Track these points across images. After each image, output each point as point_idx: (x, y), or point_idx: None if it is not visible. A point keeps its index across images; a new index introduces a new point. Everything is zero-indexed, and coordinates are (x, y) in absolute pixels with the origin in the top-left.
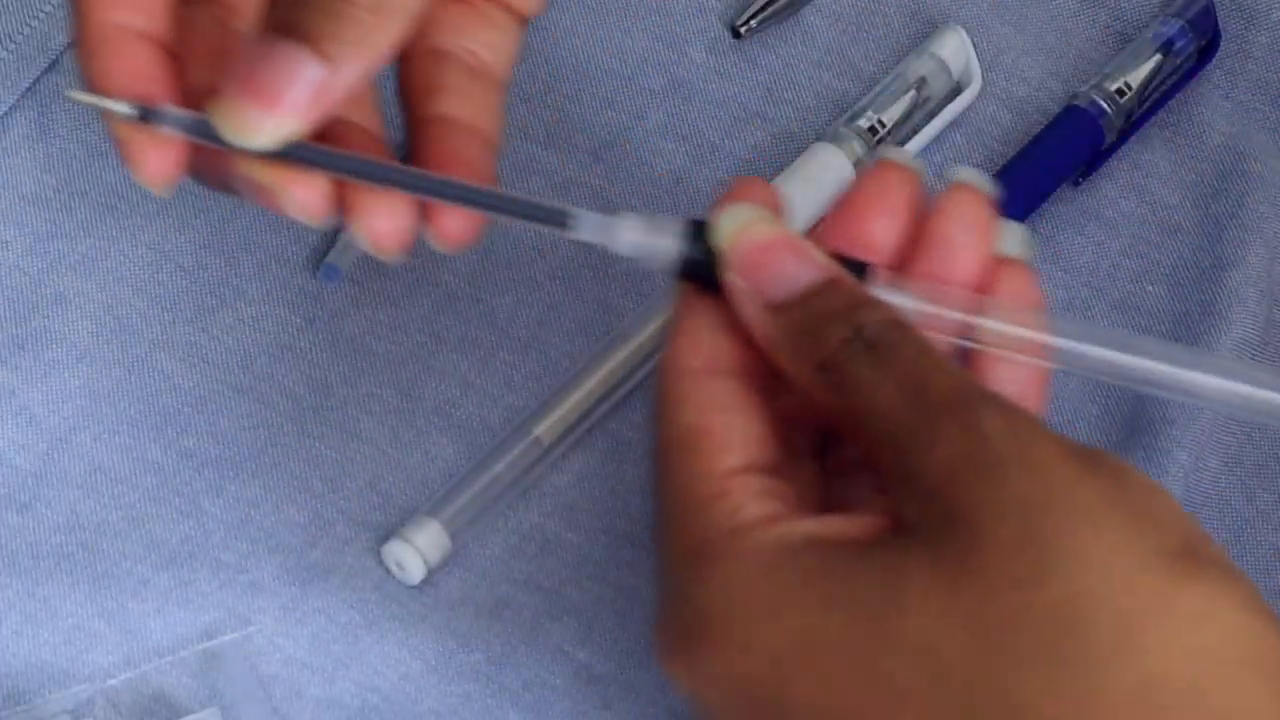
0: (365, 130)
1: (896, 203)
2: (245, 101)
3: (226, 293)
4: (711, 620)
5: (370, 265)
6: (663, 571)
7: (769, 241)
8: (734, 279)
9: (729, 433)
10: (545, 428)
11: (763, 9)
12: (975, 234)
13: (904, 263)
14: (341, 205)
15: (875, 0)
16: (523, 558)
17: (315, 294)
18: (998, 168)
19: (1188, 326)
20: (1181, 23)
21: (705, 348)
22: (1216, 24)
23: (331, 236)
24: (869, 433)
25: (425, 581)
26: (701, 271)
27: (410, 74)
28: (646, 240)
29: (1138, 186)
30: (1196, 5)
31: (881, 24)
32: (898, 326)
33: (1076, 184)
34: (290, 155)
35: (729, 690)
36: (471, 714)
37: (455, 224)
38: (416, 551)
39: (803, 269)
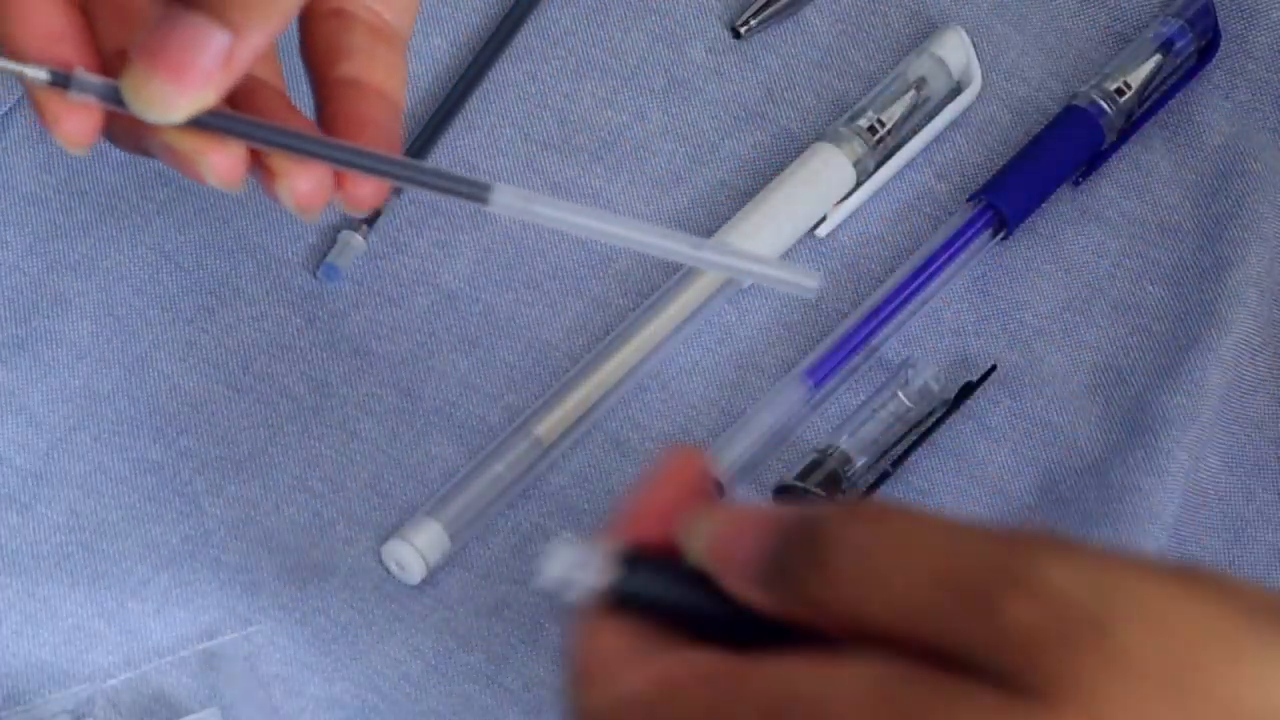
0: (271, 88)
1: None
2: (155, 75)
3: (226, 293)
4: None
5: (370, 265)
6: None
7: (730, 527)
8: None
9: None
10: (545, 428)
11: (763, 9)
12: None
13: None
14: (259, 169)
15: (875, 0)
16: (523, 558)
17: (315, 294)
18: (997, 168)
19: (1188, 326)
20: (1181, 23)
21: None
22: (1216, 24)
23: (331, 236)
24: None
25: (425, 581)
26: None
27: (314, 35)
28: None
29: (1138, 186)
30: (1196, 5)
31: (881, 24)
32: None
33: (1076, 184)
34: (205, 124)
35: None
36: (471, 714)
37: (366, 190)
38: (416, 551)
39: (761, 542)
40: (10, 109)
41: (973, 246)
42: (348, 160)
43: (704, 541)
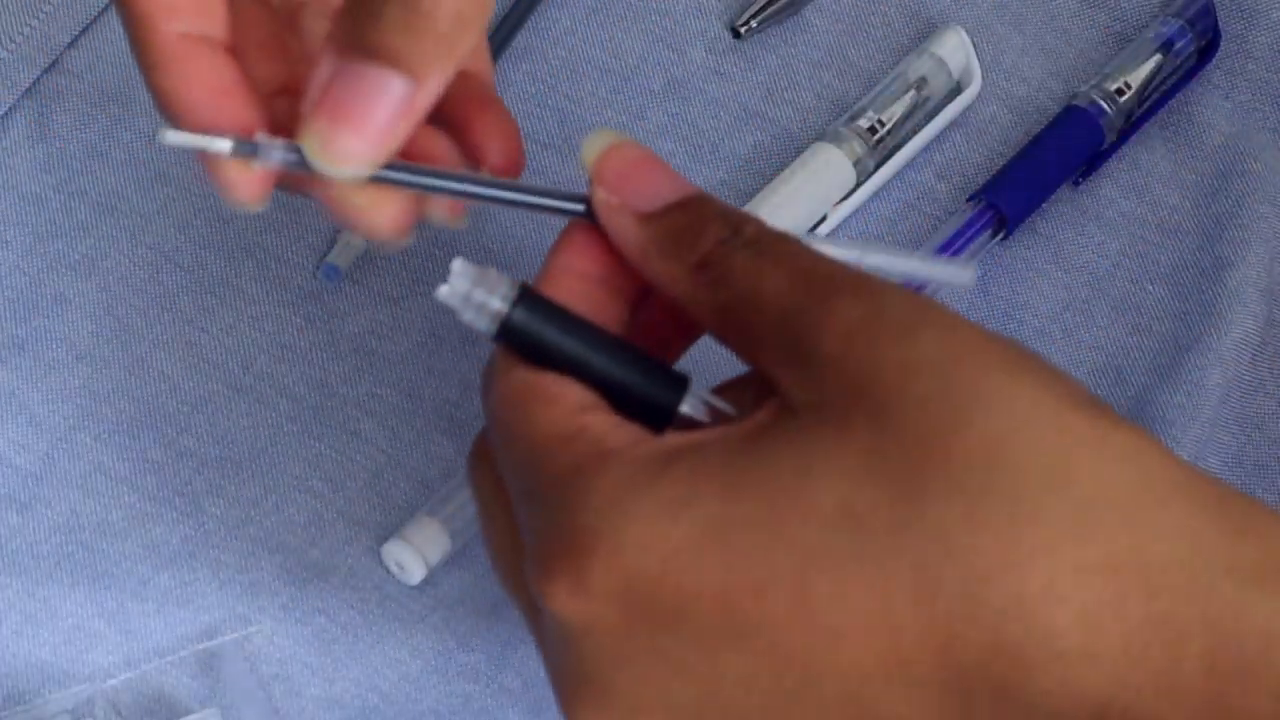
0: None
1: None
2: (338, 131)
3: (226, 293)
4: (600, 529)
5: (370, 265)
6: (531, 509)
7: (637, 158)
8: (602, 194)
9: (565, 384)
10: None
11: (763, 9)
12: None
13: None
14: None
15: (875, 0)
16: None
17: (315, 294)
18: (998, 168)
19: (1188, 326)
20: (1181, 23)
21: None
22: (1216, 24)
23: (331, 236)
24: (753, 319)
25: (425, 581)
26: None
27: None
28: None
29: (1138, 186)
30: (1196, 5)
31: (881, 24)
32: (774, 230)
33: (1076, 184)
34: (383, 178)
35: (624, 601)
36: (471, 714)
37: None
38: (416, 551)
39: (671, 185)
40: (10, 109)
41: (972, 247)
42: (522, 202)
43: (610, 166)
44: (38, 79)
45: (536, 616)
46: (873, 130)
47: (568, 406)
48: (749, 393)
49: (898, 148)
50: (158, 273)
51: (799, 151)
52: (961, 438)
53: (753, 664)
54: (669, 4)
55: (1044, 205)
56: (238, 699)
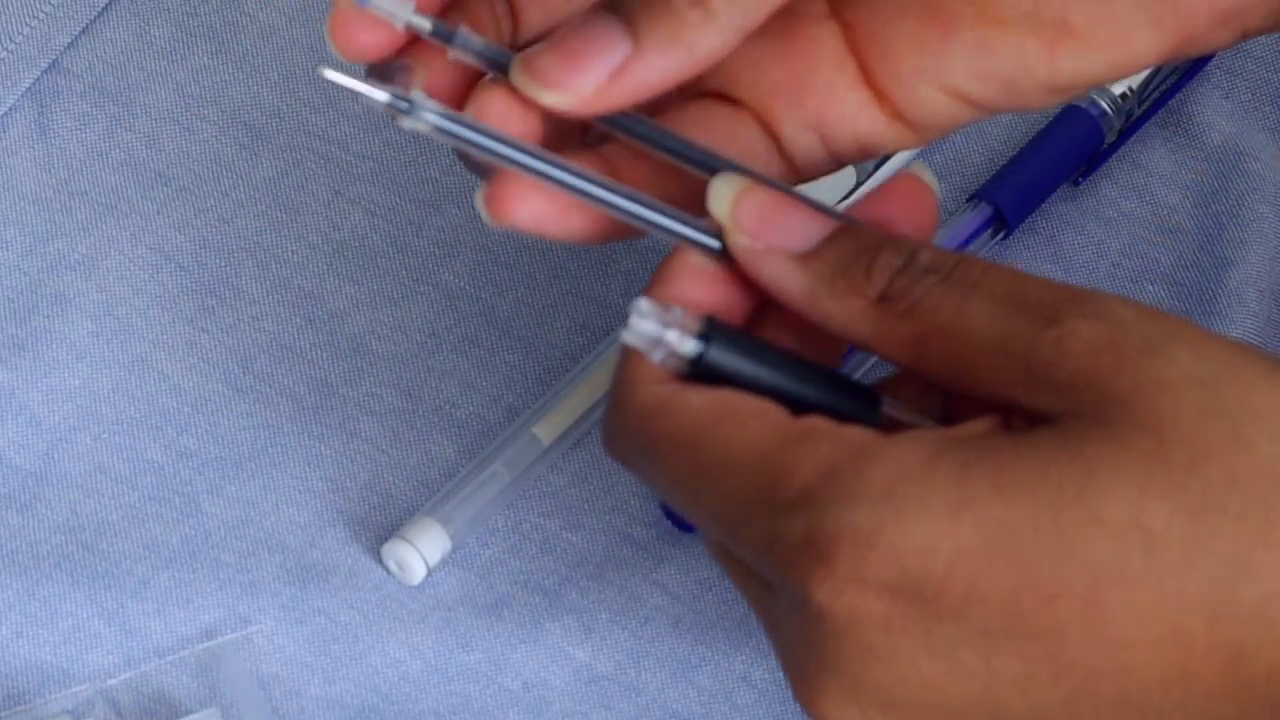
0: None
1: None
2: (548, 57)
3: (226, 293)
4: (881, 524)
5: (370, 265)
6: (780, 519)
7: (776, 199)
8: (748, 243)
9: (754, 400)
10: (545, 427)
11: None
12: (915, 223)
13: None
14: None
15: None
16: (522, 558)
17: (315, 294)
18: (997, 168)
19: None
20: None
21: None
22: None
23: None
24: (960, 349)
25: (425, 581)
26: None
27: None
28: (659, 332)
29: (1138, 186)
30: None
31: None
32: (947, 252)
33: (1076, 184)
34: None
35: (899, 599)
36: (471, 714)
37: None
38: (416, 551)
39: (813, 222)
40: (10, 109)
41: (973, 246)
42: (658, 224)
43: (750, 212)
44: (38, 79)
45: (769, 599)
46: None
47: (779, 415)
48: (933, 400)
49: None
50: (157, 273)
51: None
52: (1244, 458)
53: (1032, 668)
54: None
55: (1044, 205)
56: (238, 699)
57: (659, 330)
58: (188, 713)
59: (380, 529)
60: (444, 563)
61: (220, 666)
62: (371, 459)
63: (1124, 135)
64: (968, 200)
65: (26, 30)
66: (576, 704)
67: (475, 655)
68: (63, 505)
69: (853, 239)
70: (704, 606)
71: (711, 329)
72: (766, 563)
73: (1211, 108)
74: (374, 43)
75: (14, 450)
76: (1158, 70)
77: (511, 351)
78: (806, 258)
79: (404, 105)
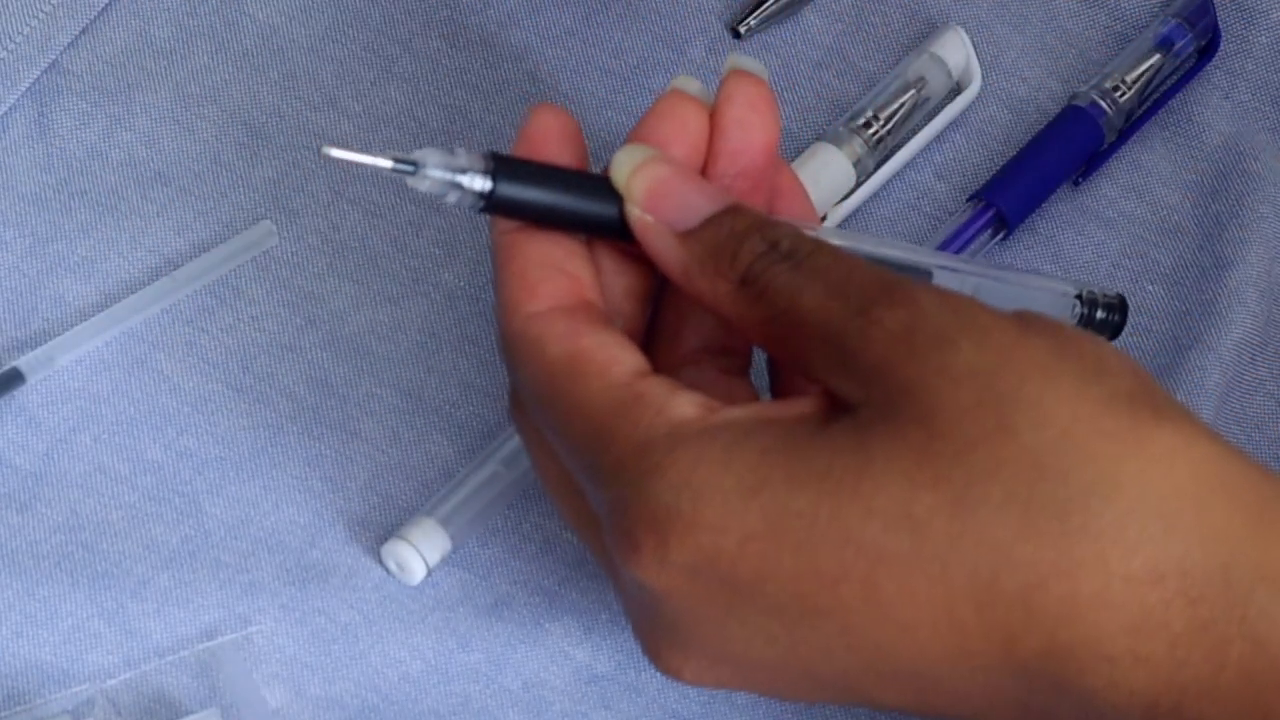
0: None
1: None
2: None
3: (226, 293)
4: (678, 508)
5: (370, 265)
6: (602, 485)
7: (669, 174)
8: (639, 214)
9: (608, 349)
10: None
11: (763, 9)
12: (760, 114)
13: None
14: None
15: (875, 0)
16: (522, 558)
17: (315, 294)
18: (997, 168)
19: (1187, 326)
20: (1181, 22)
21: (543, 289)
22: (1216, 24)
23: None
24: (797, 333)
25: (425, 581)
26: (517, 210)
27: None
28: (447, 175)
29: (1138, 186)
30: (1196, 5)
31: (881, 24)
32: (807, 239)
33: (1076, 184)
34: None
35: (703, 574)
36: (471, 714)
37: None
38: (416, 551)
39: (704, 199)
40: (10, 109)
41: (973, 247)
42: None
43: (643, 185)
44: (37, 79)
45: (614, 569)
46: (873, 130)
47: (620, 375)
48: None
49: (898, 148)
50: (157, 274)
51: (799, 151)
52: (1008, 448)
53: (827, 641)
54: (669, 4)
55: (1044, 205)
56: (238, 699)
57: (449, 175)
58: (188, 713)
59: (380, 529)
60: (444, 563)
61: (220, 666)
62: (371, 459)
63: (1124, 135)
64: (968, 200)
65: (26, 30)
66: (576, 704)
67: (475, 655)
68: (63, 505)
69: (729, 222)
70: None
71: (498, 164)
72: (604, 525)
73: (1211, 108)
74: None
75: (14, 450)
76: (1158, 70)
77: None
78: (686, 236)
79: (408, 169)
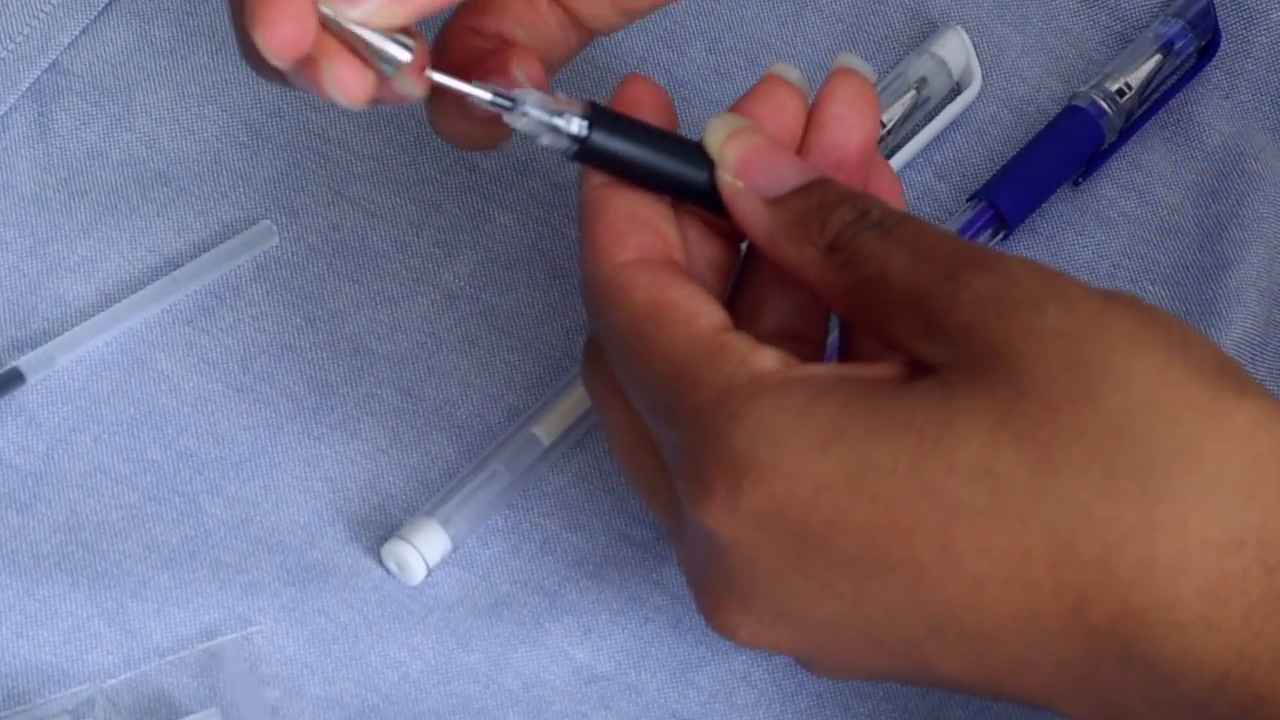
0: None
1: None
2: None
3: (226, 293)
4: (755, 454)
5: (370, 265)
6: (679, 430)
7: (761, 143)
8: (728, 178)
9: (694, 301)
10: (545, 427)
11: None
12: (860, 113)
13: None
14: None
15: (875, 0)
16: (522, 557)
17: (315, 294)
18: (997, 168)
19: None
20: (1181, 23)
21: (632, 240)
22: (1216, 24)
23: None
24: (883, 298)
25: (425, 581)
26: (608, 161)
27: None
28: (546, 116)
29: (1138, 186)
30: (1196, 5)
31: (881, 24)
32: (896, 210)
33: (1076, 184)
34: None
35: (774, 523)
36: (471, 714)
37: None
38: (416, 551)
39: (795, 171)
40: (10, 109)
41: None
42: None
43: (735, 152)
44: (38, 79)
45: (676, 520)
46: None
47: (704, 326)
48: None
49: (898, 148)
50: (157, 275)
51: None
52: (1093, 412)
53: (896, 597)
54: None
55: (1044, 205)
56: (238, 699)
57: (548, 116)
58: (188, 713)
59: (380, 529)
60: (444, 563)
61: (220, 666)
62: (371, 459)
63: (1124, 135)
64: (968, 200)
65: (26, 30)
66: (576, 704)
67: (475, 655)
68: (63, 505)
69: (819, 191)
70: None
71: (595, 113)
72: (674, 472)
73: (1211, 108)
74: (297, 36)
75: (14, 450)
76: (1158, 70)
77: (511, 351)
78: (775, 202)
79: (507, 103)
